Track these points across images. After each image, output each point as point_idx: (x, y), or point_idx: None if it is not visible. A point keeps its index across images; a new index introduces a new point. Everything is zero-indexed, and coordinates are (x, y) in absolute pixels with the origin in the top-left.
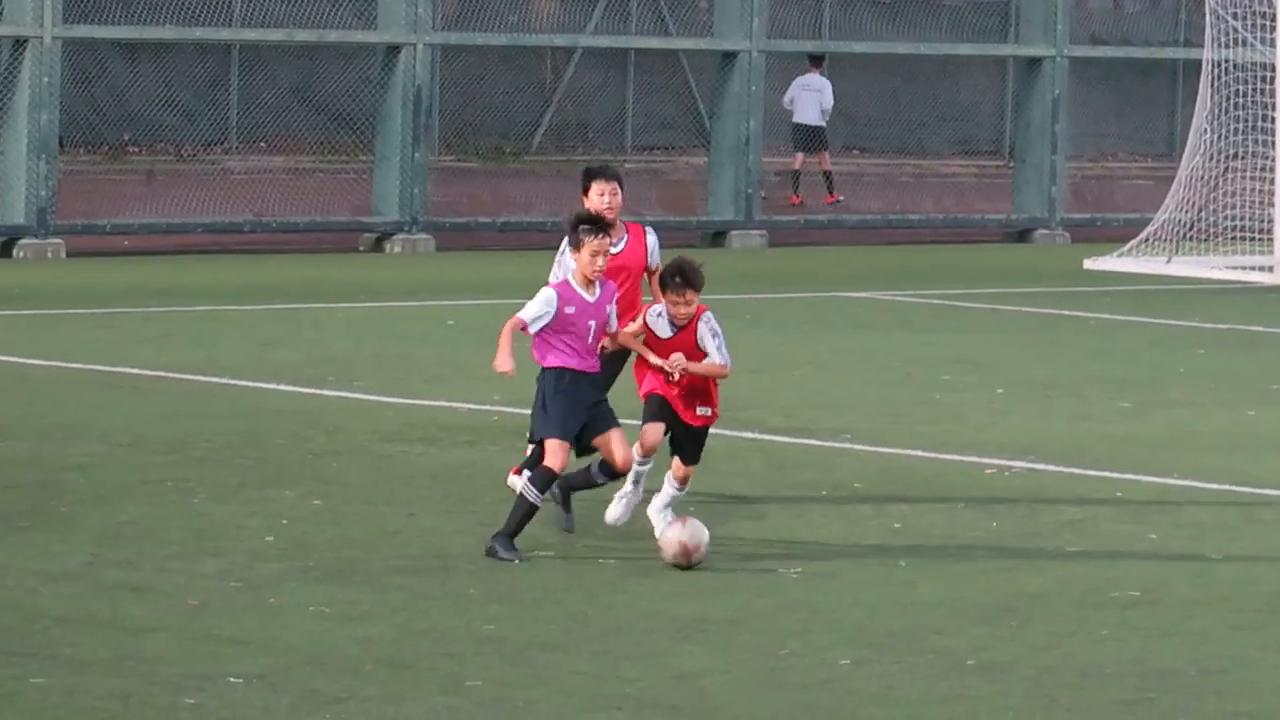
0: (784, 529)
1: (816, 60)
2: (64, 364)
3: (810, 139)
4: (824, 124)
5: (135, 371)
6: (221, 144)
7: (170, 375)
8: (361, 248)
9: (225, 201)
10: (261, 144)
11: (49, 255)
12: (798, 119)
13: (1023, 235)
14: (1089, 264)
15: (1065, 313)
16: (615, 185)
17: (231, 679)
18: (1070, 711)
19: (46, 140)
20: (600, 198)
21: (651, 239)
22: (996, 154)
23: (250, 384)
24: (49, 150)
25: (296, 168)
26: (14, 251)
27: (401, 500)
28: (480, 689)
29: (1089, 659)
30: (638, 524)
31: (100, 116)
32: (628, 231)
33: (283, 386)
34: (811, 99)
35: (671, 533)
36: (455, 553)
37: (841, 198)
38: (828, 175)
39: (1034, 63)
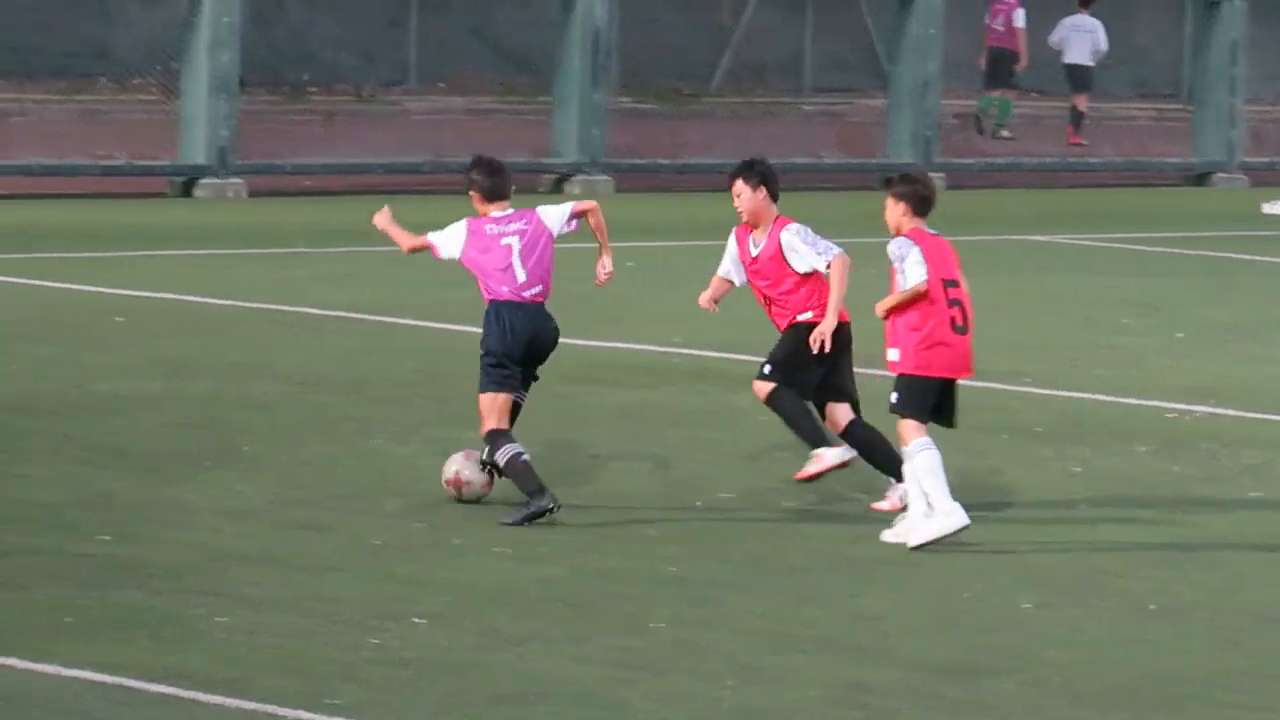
0: (965, 472)
1: (1085, 1)
2: (244, 303)
3: (1079, 78)
4: (1092, 64)
5: (315, 311)
6: (401, 84)
7: (350, 315)
8: (541, 189)
9: (404, 142)
10: (440, 85)
11: (229, 195)
12: (1069, 59)
13: (1201, 179)
14: (1267, 208)
15: (1244, 257)
16: (739, 184)
17: (414, 619)
18: (1251, 655)
19: (226, 80)
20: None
21: (788, 235)
22: (1174, 97)
23: (430, 324)
24: (229, 90)
25: (475, 108)
26: (195, 191)
27: (581, 441)
28: (661, 630)
29: (1269, 602)
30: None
31: (279, 57)
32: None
33: (463, 327)
34: (1084, 39)
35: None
36: (636, 493)
37: (1084, 141)
38: (1079, 115)
39: (1212, 5)
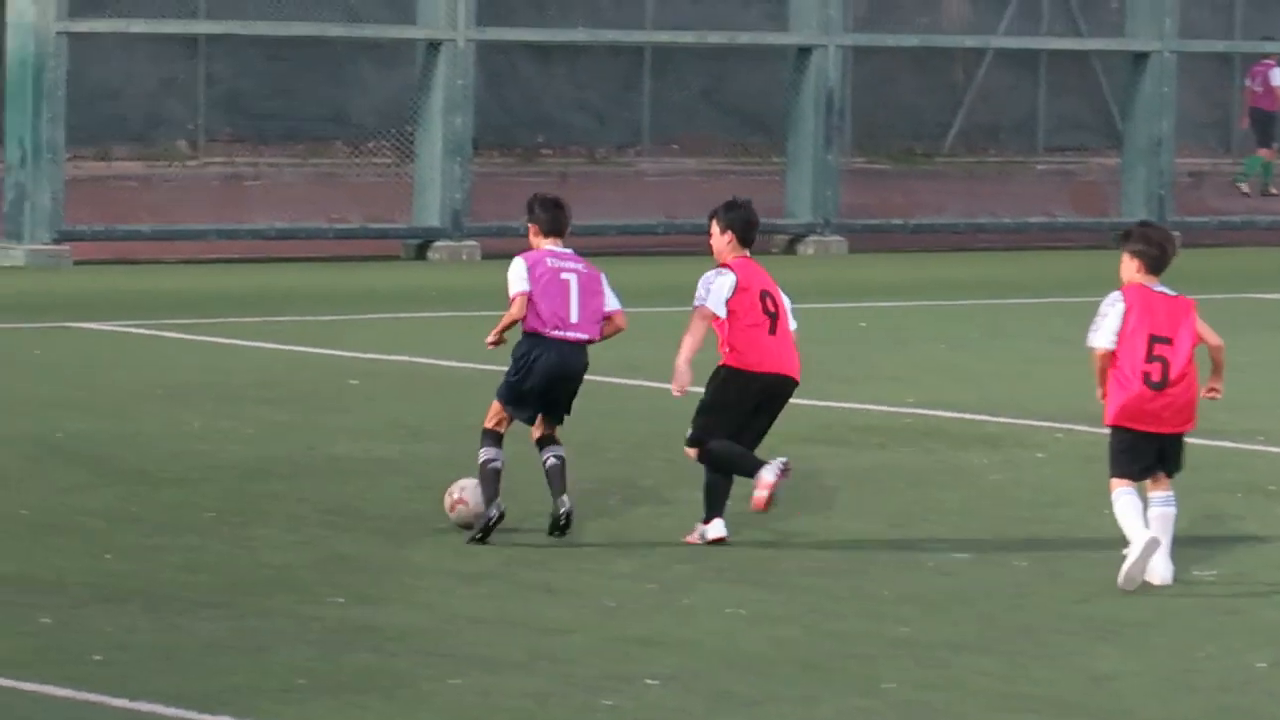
0: (1199, 529)
1: None
2: (479, 365)
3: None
4: None
5: None
6: (634, 146)
7: (587, 377)
8: (774, 249)
9: (637, 203)
10: (674, 146)
11: (464, 257)
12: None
13: None
14: None
15: None
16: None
17: (647, 680)
18: None
19: (460, 143)
20: None
21: None
22: None
23: (662, 385)
24: (463, 153)
25: (708, 169)
26: (429, 254)
27: (814, 502)
28: (894, 691)
29: None
30: (1037, 527)
31: (513, 119)
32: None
33: (694, 389)
34: None
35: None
36: (866, 554)
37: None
38: None
39: None
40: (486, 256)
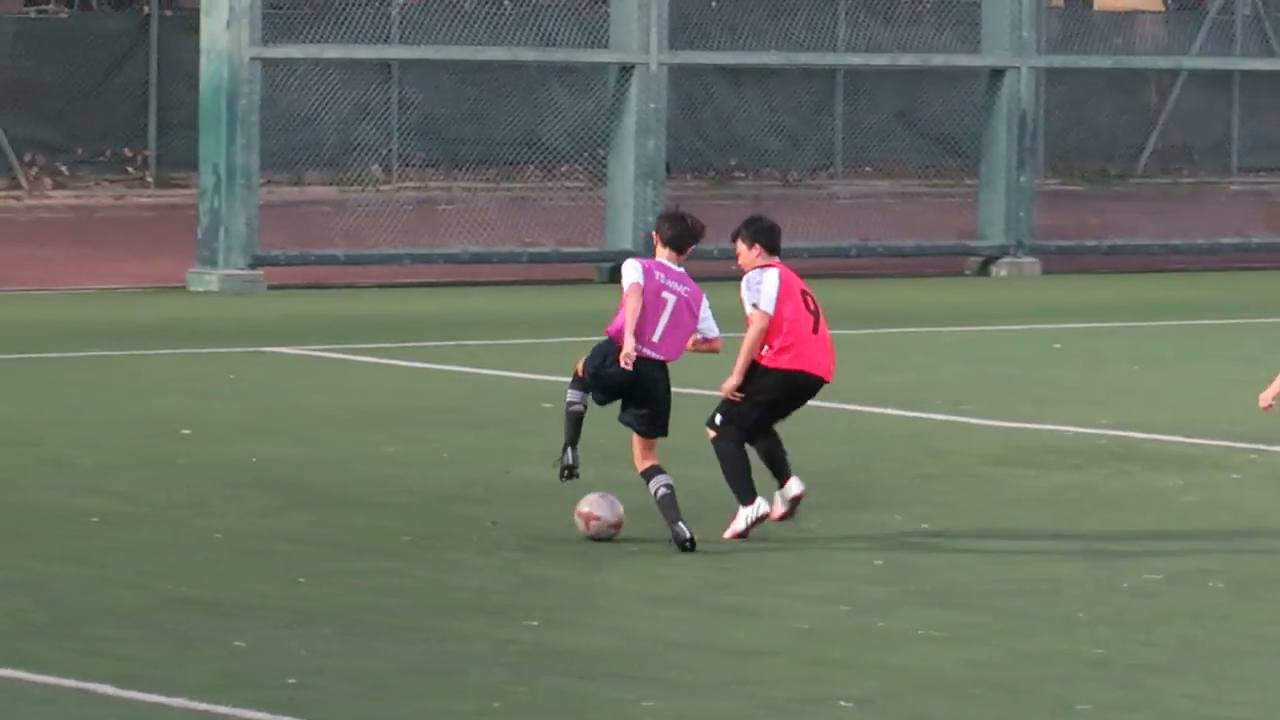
0: None
1: None
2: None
3: None
4: None
5: None
6: (827, 169)
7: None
8: (967, 271)
9: (830, 226)
10: (867, 169)
11: None
12: None
13: None
14: None
15: None
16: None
17: (842, 702)
18: None
19: (653, 166)
20: None
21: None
22: None
23: (859, 408)
24: (656, 176)
25: (902, 192)
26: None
27: (1008, 523)
28: (1090, 712)
29: None
30: (1233, 549)
31: (706, 142)
32: None
33: (890, 410)
34: None
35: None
36: (1062, 575)
37: None
38: None
39: None
40: None
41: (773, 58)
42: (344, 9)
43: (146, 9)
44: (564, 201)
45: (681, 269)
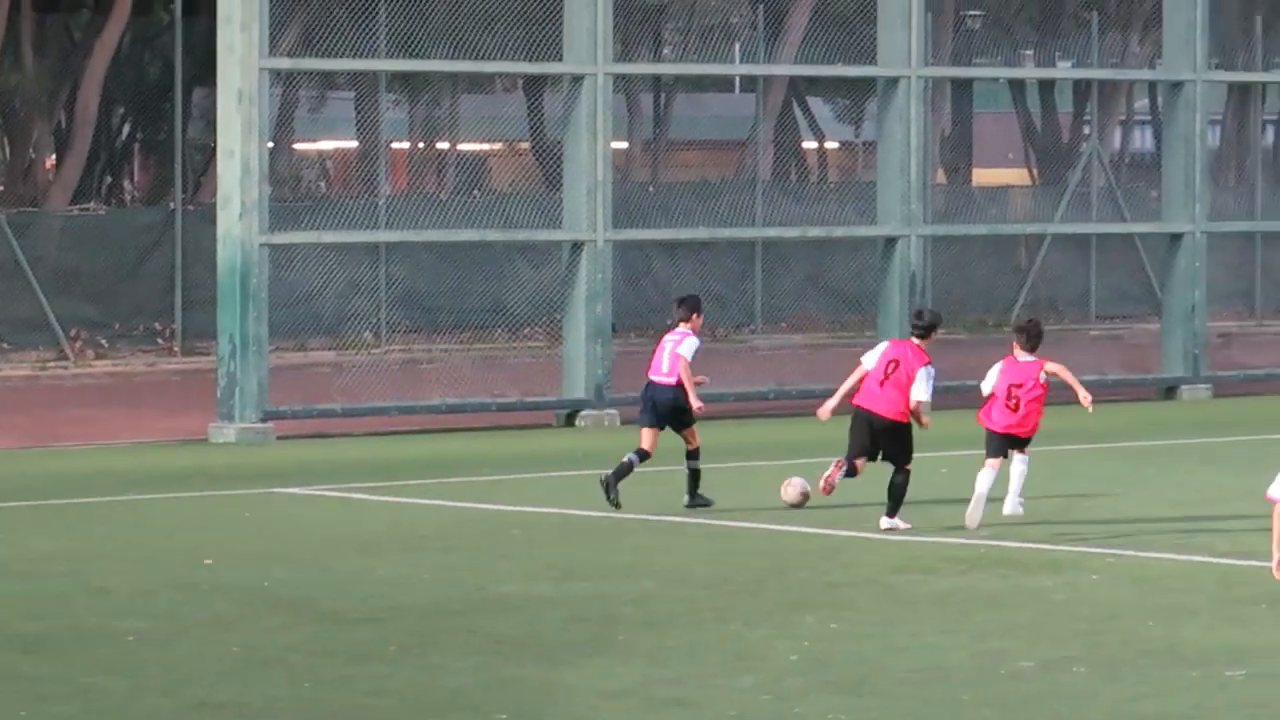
0: None
1: None
2: (620, 515)
3: None
4: None
5: (679, 520)
6: (749, 325)
7: (710, 522)
8: None
9: (751, 374)
10: (782, 324)
11: (606, 423)
12: None
13: None
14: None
15: None
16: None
17: None
18: None
19: (601, 327)
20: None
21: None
22: None
23: (777, 527)
24: (604, 335)
25: (812, 344)
26: (577, 421)
27: (905, 622)
28: None
29: None
30: (1098, 631)
31: (647, 305)
32: None
33: (804, 528)
34: None
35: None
36: (951, 665)
37: None
38: None
39: None
40: (626, 422)
41: (701, 233)
42: (338, 200)
43: (172, 205)
44: (526, 359)
45: (685, 330)
